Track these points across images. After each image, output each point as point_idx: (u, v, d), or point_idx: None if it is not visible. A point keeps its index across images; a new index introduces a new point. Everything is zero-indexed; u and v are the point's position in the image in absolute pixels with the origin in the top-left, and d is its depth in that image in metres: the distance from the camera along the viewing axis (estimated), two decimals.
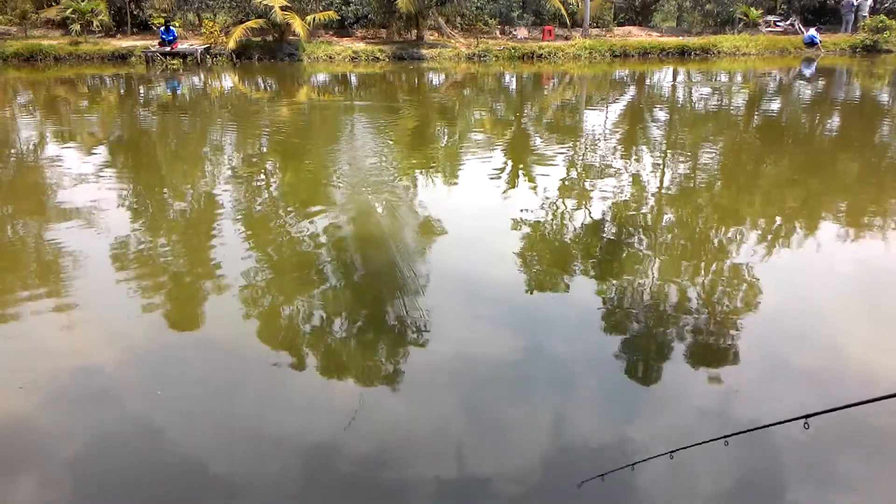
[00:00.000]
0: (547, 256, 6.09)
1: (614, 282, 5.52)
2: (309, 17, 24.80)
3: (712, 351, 4.54)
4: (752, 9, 28.89)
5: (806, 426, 1.57)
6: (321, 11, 25.97)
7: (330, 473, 3.35)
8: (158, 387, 4.05)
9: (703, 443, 2.10)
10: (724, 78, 21.63)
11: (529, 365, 4.33)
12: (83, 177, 8.76)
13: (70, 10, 25.03)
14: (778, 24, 29.75)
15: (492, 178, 8.79)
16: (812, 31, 27.18)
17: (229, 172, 9.23)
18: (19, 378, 4.13)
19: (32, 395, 3.97)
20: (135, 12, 27.10)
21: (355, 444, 3.51)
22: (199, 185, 8.63)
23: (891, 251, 6.36)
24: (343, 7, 27.81)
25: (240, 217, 7.16)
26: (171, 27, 24.06)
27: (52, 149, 10.95)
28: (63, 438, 3.61)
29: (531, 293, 5.33)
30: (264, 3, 23.26)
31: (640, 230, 6.72)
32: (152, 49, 23.45)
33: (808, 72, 22.70)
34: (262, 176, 9.07)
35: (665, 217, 7.26)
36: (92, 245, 6.33)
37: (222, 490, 3.25)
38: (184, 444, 3.59)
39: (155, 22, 25.64)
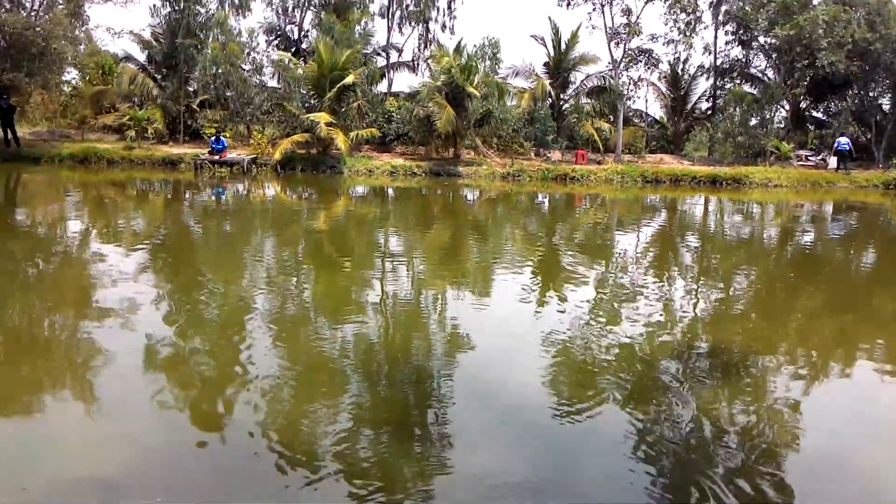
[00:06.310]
0: (575, 380, 5.95)
1: (645, 411, 5.34)
2: (352, 133, 26.04)
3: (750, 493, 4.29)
4: (783, 143, 29.53)
5: None
6: (364, 128, 27.27)
7: None
8: (161, 494, 3.94)
9: None
10: (755, 208, 21.83)
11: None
12: (123, 275, 8.98)
13: (127, 117, 26.69)
14: (810, 158, 30.27)
15: (521, 295, 8.78)
16: (844, 140, 27.38)
17: (265, 277, 9.40)
18: (24, 479, 4.05)
19: (34, 497, 3.87)
20: (188, 122, 28.70)
21: None
22: (235, 289, 8.76)
23: None
24: (385, 125, 29.18)
25: (271, 322, 7.20)
26: (222, 137, 25.41)
27: (95, 246, 11.34)
28: None
29: (557, 418, 5.16)
30: (311, 118, 24.58)
31: (672, 357, 6.57)
32: (202, 157, 24.65)
33: (838, 206, 22.78)
34: (295, 284, 9.22)
35: (698, 344, 7.10)
36: (122, 343, 6.39)
37: None
38: None
39: (207, 132, 27.00)
